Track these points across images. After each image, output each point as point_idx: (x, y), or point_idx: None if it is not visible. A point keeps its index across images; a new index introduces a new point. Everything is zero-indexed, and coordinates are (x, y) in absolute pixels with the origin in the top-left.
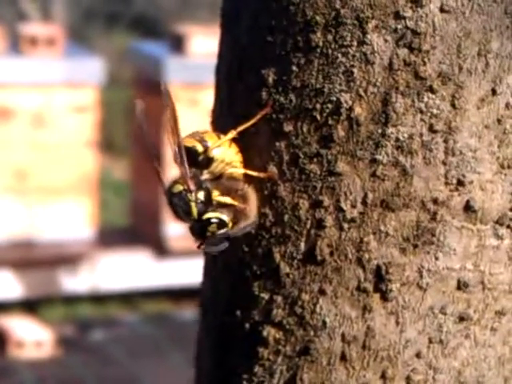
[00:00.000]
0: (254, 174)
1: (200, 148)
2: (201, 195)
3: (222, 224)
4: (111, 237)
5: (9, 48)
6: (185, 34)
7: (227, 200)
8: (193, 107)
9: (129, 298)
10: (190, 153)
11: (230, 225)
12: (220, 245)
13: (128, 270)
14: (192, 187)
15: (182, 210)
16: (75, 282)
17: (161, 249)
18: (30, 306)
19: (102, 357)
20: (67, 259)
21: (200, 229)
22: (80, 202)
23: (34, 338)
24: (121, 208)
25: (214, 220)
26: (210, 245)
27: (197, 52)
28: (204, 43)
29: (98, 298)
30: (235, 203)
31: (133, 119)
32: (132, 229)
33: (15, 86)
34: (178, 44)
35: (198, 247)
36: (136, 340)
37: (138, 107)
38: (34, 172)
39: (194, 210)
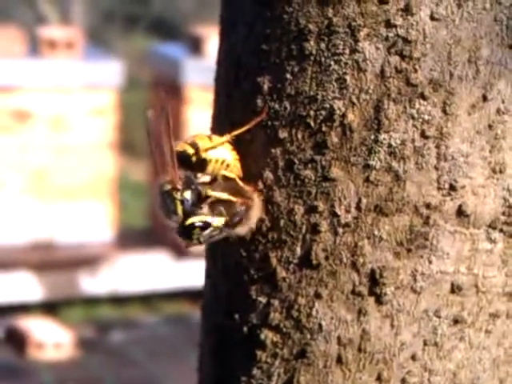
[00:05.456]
0: (241, 184)
1: (190, 150)
2: (187, 194)
3: (205, 226)
4: (130, 238)
5: (28, 51)
6: (203, 36)
7: (223, 195)
8: (211, 109)
9: (148, 300)
10: (184, 157)
11: (220, 223)
12: (208, 241)
13: (147, 272)
14: (178, 186)
15: (168, 209)
16: (95, 283)
17: (179, 250)
18: (49, 308)
19: (121, 358)
20: (87, 261)
21: (185, 234)
22: (99, 204)
23: (53, 340)
24: (139, 210)
25: (197, 224)
26: (196, 245)
27: (215, 54)
28: None
29: (118, 300)
30: (232, 198)
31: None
32: (151, 230)
33: (34, 89)
34: (196, 46)
35: (186, 247)
36: (155, 341)
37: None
38: (53, 174)
39: (179, 208)
